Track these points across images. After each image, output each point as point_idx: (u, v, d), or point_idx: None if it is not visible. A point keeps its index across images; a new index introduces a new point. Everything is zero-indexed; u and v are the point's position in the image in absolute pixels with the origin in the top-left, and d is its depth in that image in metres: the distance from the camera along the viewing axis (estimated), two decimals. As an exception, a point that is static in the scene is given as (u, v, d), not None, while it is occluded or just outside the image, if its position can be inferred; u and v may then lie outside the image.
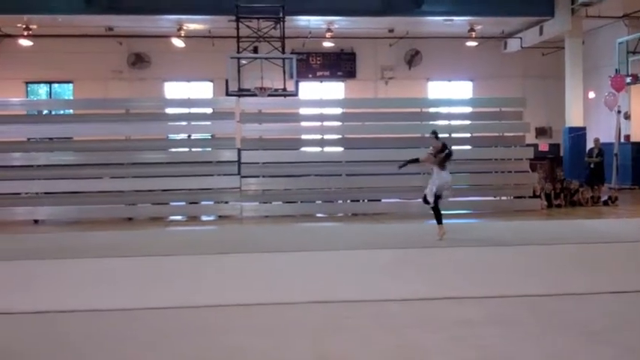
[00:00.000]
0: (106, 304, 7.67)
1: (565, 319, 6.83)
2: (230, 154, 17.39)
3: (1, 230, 15.25)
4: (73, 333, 6.55)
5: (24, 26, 24.07)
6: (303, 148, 18.72)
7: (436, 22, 25.04)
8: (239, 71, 20.54)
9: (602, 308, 7.27)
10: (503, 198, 18.51)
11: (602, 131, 23.91)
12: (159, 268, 9.96)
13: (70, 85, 28.37)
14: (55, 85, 28.79)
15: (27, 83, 28.15)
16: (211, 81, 28.13)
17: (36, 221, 16.94)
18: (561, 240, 12.51)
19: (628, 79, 23.19)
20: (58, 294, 8.23)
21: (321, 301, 7.65)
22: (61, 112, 22.76)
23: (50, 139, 17.99)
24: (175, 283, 8.84)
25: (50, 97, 28.27)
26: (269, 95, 20.31)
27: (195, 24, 24.78)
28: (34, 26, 24.32)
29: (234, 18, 21.24)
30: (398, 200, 18.08)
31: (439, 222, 12.48)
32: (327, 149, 18.54)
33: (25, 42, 25.51)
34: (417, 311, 7.20)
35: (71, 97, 27.74)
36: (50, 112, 20.68)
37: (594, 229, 14.42)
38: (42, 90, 28.82)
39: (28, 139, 18.10)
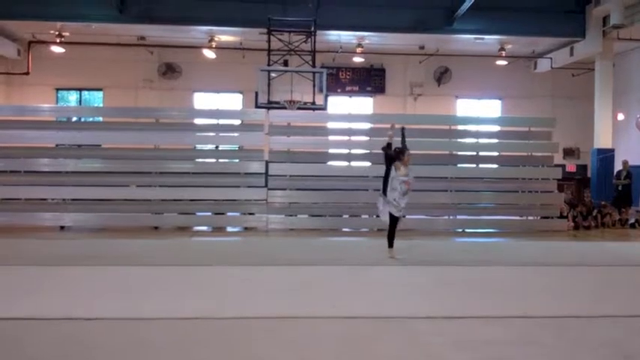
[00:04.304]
0: (130, 313, 7.69)
1: (593, 341, 6.76)
2: (257, 166, 17.43)
3: (27, 236, 15.35)
4: (98, 340, 6.56)
5: (57, 33, 24.30)
6: (331, 162, 18.76)
7: (467, 40, 24.97)
8: (269, 84, 20.61)
9: (629, 331, 7.19)
10: (530, 218, 18.41)
11: (630, 153, 23.71)
12: (184, 278, 9.96)
13: (100, 92, 28.50)
14: (85, 93, 28.93)
15: (57, 90, 28.34)
16: (241, 93, 28.19)
17: (62, 227, 17.04)
18: (587, 262, 12.46)
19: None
20: (84, 301, 8.23)
21: (346, 317, 7.61)
22: (91, 119, 22.92)
23: (79, 145, 18.00)
24: (200, 293, 8.84)
25: (80, 104, 28.44)
26: (298, 108, 20.36)
27: (226, 36, 24.87)
28: (67, 33, 24.54)
29: (265, 31, 21.35)
30: (424, 217, 18.03)
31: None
32: (354, 164, 18.54)
33: (56, 49, 25.78)
34: (445, 330, 7.13)
35: (101, 105, 27.84)
36: (79, 119, 20.82)
37: (621, 251, 14.29)
38: (72, 97, 28.99)
39: (57, 145, 18.28)
